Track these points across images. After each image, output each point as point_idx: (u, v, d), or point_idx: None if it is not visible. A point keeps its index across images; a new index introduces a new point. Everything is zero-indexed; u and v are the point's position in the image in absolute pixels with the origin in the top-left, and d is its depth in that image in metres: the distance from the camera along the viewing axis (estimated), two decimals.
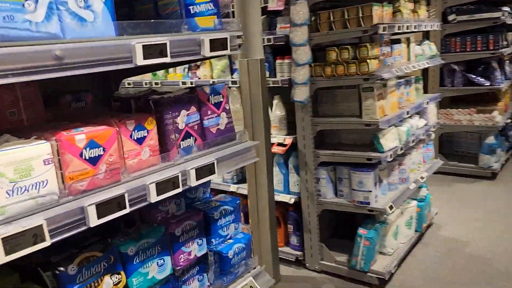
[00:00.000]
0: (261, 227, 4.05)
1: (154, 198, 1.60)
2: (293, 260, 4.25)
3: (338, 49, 3.71)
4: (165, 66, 2.66)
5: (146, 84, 4.78)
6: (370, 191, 3.77)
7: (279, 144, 4.13)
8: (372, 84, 3.65)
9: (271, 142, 4.08)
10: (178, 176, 1.68)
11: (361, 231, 3.88)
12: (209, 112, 1.94)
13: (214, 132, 1.95)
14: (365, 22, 3.61)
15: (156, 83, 4.70)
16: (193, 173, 1.72)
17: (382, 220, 3.97)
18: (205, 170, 1.77)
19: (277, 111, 4.15)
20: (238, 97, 4.21)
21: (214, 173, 1.80)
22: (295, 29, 3.76)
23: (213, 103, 1.96)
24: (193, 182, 1.73)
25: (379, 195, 3.90)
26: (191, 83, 4.50)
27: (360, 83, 3.70)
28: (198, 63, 4.49)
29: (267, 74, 4.12)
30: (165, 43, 1.62)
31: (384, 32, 3.58)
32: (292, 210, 4.26)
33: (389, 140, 3.80)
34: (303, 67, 3.82)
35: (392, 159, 3.77)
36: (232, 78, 4.37)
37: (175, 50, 1.67)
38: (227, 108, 2.05)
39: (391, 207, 3.78)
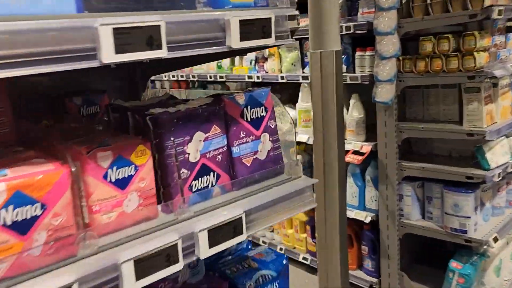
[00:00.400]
0: (329, 247, 3.27)
1: (130, 285, 0.91)
2: (366, 287, 3.43)
3: (435, 38, 2.79)
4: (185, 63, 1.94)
5: (210, 77, 4.13)
6: (469, 217, 2.85)
7: (355, 152, 3.30)
8: (479, 83, 2.70)
9: (345, 149, 3.28)
10: (176, 244, 0.97)
11: (454, 264, 2.97)
12: (242, 134, 1.19)
13: (249, 164, 1.20)
14: (473, 4, 2.65)
15: (221, 77, 4.03)
16: (203, 238, 1.00)
17: (481, 252, 3.02)
18: (226, 231, 1.04)
19: (354, 113, 3.32)
20: (309, 95, 3.44)
21: (241, 233, 1.07)
22: (381, 14, 2.91)
23: (249, 119, 1.21)
24: (203, 252, 1.01)
25: (479, 222, 2.95)
26: (258, 77, 3.77)
27: (463, 82, 2.77)
28: (266, 54, 3.75)
29: (344, 68, 3.29)
30: (158, 26, 0.90)
31: (499, 17, 2.61)
32: (367, 229, 3.42)
33: (498, 155, 2.84)
34: (389, 60, 2.96)
35: (500, 178, 2.81)
36: (303, 72, 3.58)
37: (177, 38, 0.94)
38: (272, 126, 1.29)
39: (495, 239, 2.84)
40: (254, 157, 1.22)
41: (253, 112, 1.22)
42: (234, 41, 1.02)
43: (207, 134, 1.11)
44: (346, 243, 3.27)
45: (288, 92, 4.03)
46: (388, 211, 3.23)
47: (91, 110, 1.68)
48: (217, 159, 1.14)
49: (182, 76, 4.37)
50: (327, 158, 3.22)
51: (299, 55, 3.55)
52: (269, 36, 1.10)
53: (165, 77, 4.60)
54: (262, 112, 1.26)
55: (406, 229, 3.17)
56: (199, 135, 1.09)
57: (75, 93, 1.66)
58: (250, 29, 1.04)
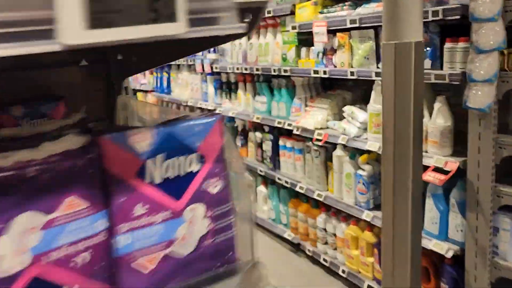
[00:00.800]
0: (397, 280, 2.55)
1: None
2: None
3: None
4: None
5: (274, 71, 3.52)
6: None
7: (437, 170, 2.50)
8: None
9: (425, 164, 2.51)
10: None
11: None
12: (138, 210, 0.59)
13: (151, 268, 0.59)
14: None
15: (286, 70, 3.40)
16: None
17: None
18: None
19: (439, 120, 2.52)
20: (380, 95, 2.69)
21: None
22: None
23: (158, 181, 0.61)
24: None
25: None
26: (324, 72, 3.08)
27: None
28: (335, 45, 3.04)
29: (428, 64, 2.51)
30: None
31: None
32: (449, 264, 2.62)
33: None
34: (489, 55, 2.15)
35: None
36: (377, 67, 2.82)
37: None
38: (215, 189, 0.67)
39: None
40: (165, 252, 0.62)
41: (169, 166, 0.62)
42: (71, 30, 0.44)
43: (53, 215, 0.54)
44: (419, 277, 2.53)
45: (362, 89, 3.29)
46: (477, 247, 2.42)
47: (37, 123, 1.19)
48: (74, 263, 0.56)
49: (246, 69, 3.81)
50: (398, 174, 2.48)
51: (374, 46, 2.80)
52: (172, 19, 0.49)
53: (229, 69, 4.08)
54: (191, 164, 0.65)
55: (501, 272, 2.34)
56: (30, 219, 0.53)
57: (14, 101, 1.17)
58: (116, 4, 0.45)
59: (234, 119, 4.26)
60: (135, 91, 6.65)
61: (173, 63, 5.15)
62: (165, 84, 5.52)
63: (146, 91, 6.13)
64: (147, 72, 6.07)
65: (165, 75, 5.52)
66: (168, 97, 5.43)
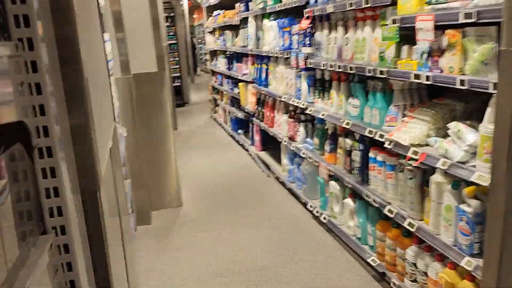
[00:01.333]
0: None
1: None
2: None
3: None
4: None
5: (369, 71, 2.89)
6: None
7: None
8: None
9: None
10: None
11: None
12: None
13: None
14: None
15: (382, 72, 2.77)
16: None
17: None
18: None
19: None
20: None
21: None
22: None
23: None
24: None
25: None
26: (427, 77, 2.40)
27: None
28: (443, 45, 2.33)
29: None
30: None
31: None
32: None
33: None
34: None
35: None
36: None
37: None
38: None
39: None
40: None
41: None
42: None
43: None
44: None
45: (479, 101, 2.52)
46: None
47: None
48: None
49: (339, 67, 3.24)
50: (510, 229, 1.82)
51: (496, 49, 2.06)
52: None
53: (323, 66, 3.53)
54: None
55: None
56: None
57: None
58: None
59: (324, 121, 3.74)
60: (238, 81, 6.43)
61: (271, 55, 4.75)
62: (263, 76, 5.17)
63: (247, 82, 5.86)
64: (249, 62, 5.78)
65: (264, 67, 5.16)
66: (266, 90, 5.07)
